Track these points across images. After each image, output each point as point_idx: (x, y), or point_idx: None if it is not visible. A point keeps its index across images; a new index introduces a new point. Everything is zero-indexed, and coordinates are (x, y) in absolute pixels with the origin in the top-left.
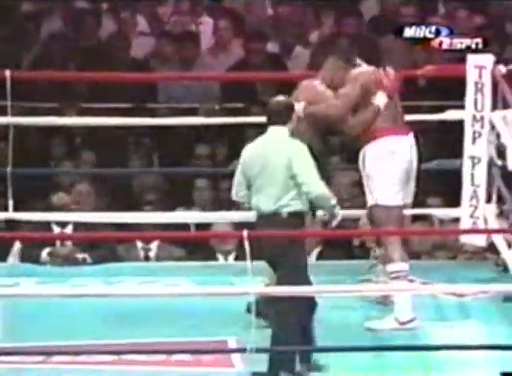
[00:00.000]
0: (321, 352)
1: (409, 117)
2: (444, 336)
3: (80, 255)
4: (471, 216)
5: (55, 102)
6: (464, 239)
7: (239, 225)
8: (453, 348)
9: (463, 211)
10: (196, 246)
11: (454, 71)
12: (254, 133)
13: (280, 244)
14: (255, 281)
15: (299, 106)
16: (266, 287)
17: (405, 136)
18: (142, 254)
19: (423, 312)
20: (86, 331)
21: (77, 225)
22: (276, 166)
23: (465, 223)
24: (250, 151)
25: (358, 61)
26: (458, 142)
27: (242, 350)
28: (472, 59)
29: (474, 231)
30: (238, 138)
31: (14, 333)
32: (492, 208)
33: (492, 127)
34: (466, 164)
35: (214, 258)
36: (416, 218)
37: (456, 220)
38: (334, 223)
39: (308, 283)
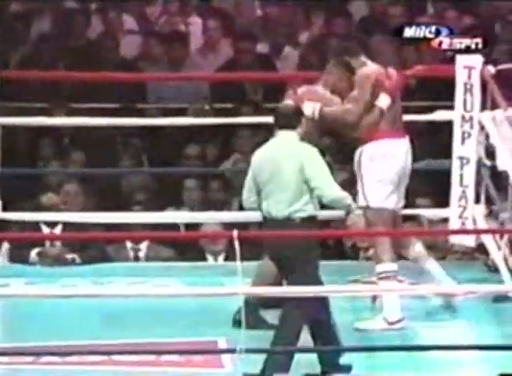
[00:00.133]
0: (312, 353)
1: None
2: (433, 336)
3: (69, 256)
4: (460, 217)
5: (44, 102)
6: (453, 239)
7: (229, 226)
8: (443, 349)
9: (452, 212)
10: (185, 246)
11: (443, 72)
12: (244, 133)
13: (292, 246)
14: (245, 282)
15: (311, 107)
16: (254, 288)
17: (402, 139)
18: (131, 254)
19: (412, 312)
20: (75, 332)
21: (67, 226)
22: (288, 171)
23: (454, 224)
24: (260, 156)
25: (364, 59)
26: (447, 142)
27: (231, 351)
28: (461, 60)
29: (464, 231)
30: (228, 138)
31: (4, 333)
32: (480, 209)
33: (481, 127)
34: (455, 164)
35: (204, 259)
36: (405, 218)
37: (445, 220)
38: (351, 221)
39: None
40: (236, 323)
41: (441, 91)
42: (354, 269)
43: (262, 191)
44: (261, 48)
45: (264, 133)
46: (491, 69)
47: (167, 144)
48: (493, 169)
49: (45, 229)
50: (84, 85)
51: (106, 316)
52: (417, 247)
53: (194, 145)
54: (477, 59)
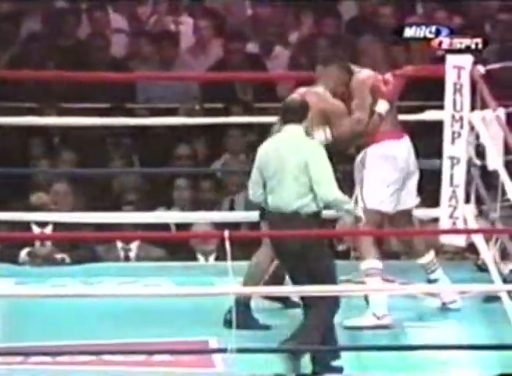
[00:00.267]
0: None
1: None
2: (424, 336)
3: (59, 256)
4: (451, 216)
5: (34, 102)
6: (444, 239)
7: (220, 226)
8: (433, 349)
9: (442, 212)
10: (176, 246)
11: (433, 72)
12: (234, 133)
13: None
14: (236, 281)
15: (323, 134)
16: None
17: (402, 140)
18: (122, 254)
19: (403, 312)
20: (65, 332)
21: (57, 226)
22: (293, 166)
23: (444, 223)
24: (265, 150)
25: (352, 66)
26: (437, 142)
27: (223, 350)
28: (451, 60)
29: (454, 231)
30: (218, 138)
31: None
32: (471, 208)
33: (471, 127)
34: (446, 164)
35: (195, 259)
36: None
37: (436, 220)
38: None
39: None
40: (227, 322)
41: (432, 91)
42: (345, 268)
43: (267, 185)
44: (252, 47)
45: (254, 133)
46: (480, 69)
47: (157, 144)
48: (483, 169)
49: (36, 229)
50: (75, 85)
51: (96, 316)
52: (429, 256)
53: (185, 145)
54: (466, 59)
